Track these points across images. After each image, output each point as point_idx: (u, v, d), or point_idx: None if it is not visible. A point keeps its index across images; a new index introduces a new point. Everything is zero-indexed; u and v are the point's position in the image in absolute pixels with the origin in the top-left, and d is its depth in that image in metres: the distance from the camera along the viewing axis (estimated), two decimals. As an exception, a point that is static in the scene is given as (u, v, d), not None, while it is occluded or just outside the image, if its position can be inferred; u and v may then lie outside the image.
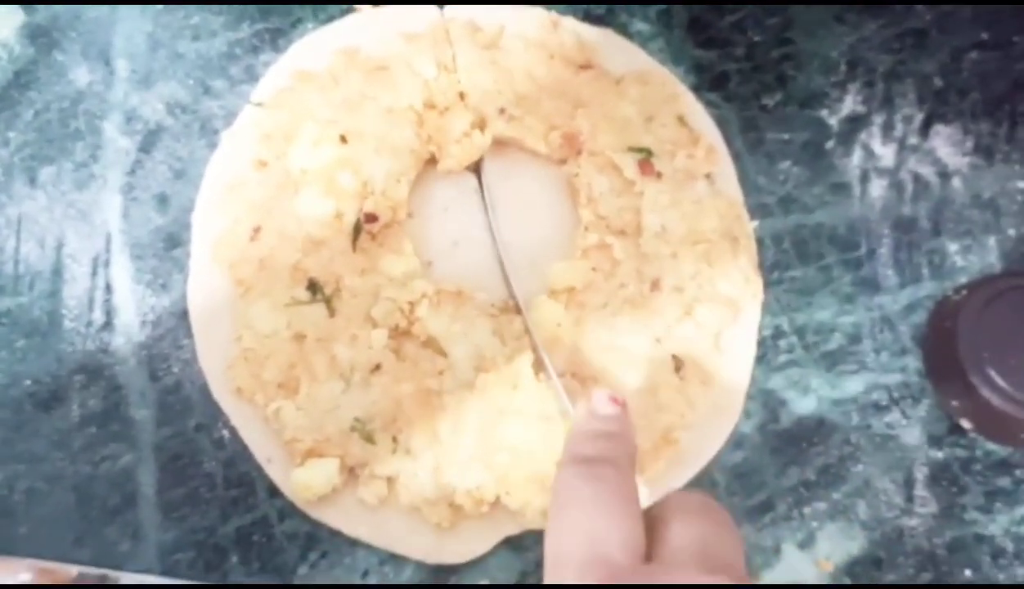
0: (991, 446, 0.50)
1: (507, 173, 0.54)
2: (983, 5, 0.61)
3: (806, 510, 0.49)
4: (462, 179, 0.54)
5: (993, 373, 0.49)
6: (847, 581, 0.48)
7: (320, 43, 0.55)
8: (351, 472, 0.47)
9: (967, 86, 0.59)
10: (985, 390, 0.49)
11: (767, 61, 0.58)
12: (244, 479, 0.47)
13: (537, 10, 0.57)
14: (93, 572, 0.46)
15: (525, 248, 0.52)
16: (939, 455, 0.50)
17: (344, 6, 0.57)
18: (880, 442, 0.50)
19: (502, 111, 0.53)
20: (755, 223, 0.53)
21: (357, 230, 0.50)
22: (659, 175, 0.52)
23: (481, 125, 0.53)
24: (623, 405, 0.39)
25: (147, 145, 0.53)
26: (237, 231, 0.50)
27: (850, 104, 0.57)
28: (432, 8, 0.57)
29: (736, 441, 0.50)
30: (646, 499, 0.47)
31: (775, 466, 0.50)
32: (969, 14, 0.61)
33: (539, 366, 0.48)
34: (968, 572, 0.48)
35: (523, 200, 0.54)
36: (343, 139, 0.52)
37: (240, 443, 0.47)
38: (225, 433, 0.48)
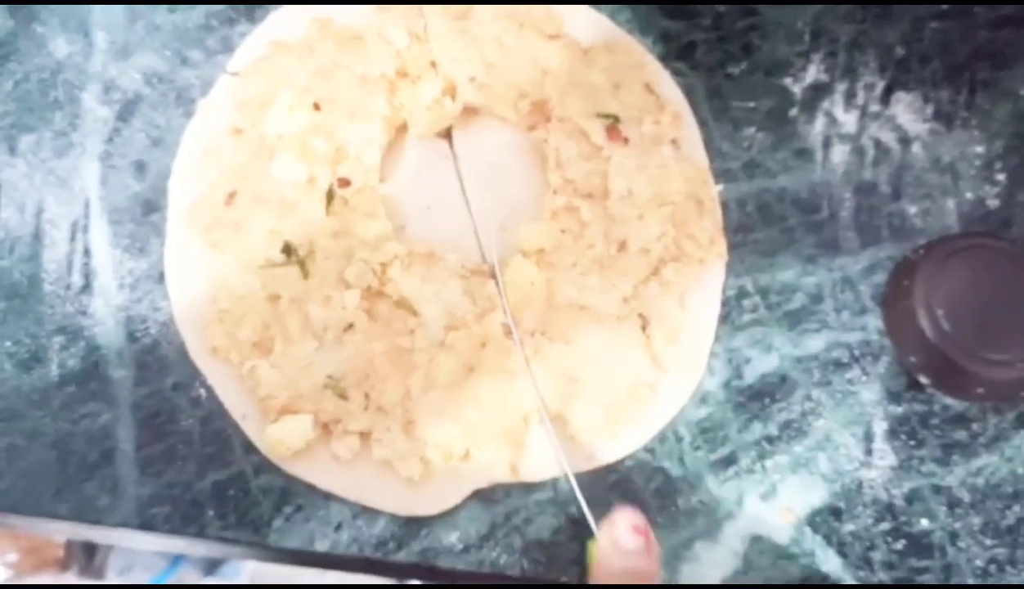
0: (948, 401, 0.52)
1: (478, 139, 0.55)
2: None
3: (768, 463, 0.50)
4: (434, 145, 0.55)
5: (949, 328, 0.50)
6: (807, 530, 0.49)
7: (295, 14, 0.57)
8: (325, 428, 0.48)
9: (928, 55, 0.60)
10: (941, 345, 0.50)
11: (733, 31, 0.59)
12: (220, 436, 0.49)
13: (508, -19, 0.58)
14: (78, 540, 0.47)
15: (495, 211, 0.54)
16: (898, 410, 0.52)
17: (318, -22, 0.58)
18: (841, 398, 0.52)
19: (472, 79, 0.54)
20: (720, 187, 0.55)
21: (330, 194, 0.51)
22: (626, 140, 0.54)
23: (451, 93, 0.54)
24: (646, 534, 0.41)
25: (125, 114, 0.54)
26: (213, 196, 0.51)
27: (813, 73, 0.59)
28: (405, -21, 0.58)
29: (701, 397, 0.51)
30: (613, 455, 0.49)
31: (738, 421, 0.51)
32: (932, -15, 0.62)
33: (506, 326, 0.50)
34: (925, 521, 0.50)
35: (493, 165, 0.55)
36: (317, 106, 0.53)
37: (216, 401, 0.49)
38: (202, 392, 0.49)
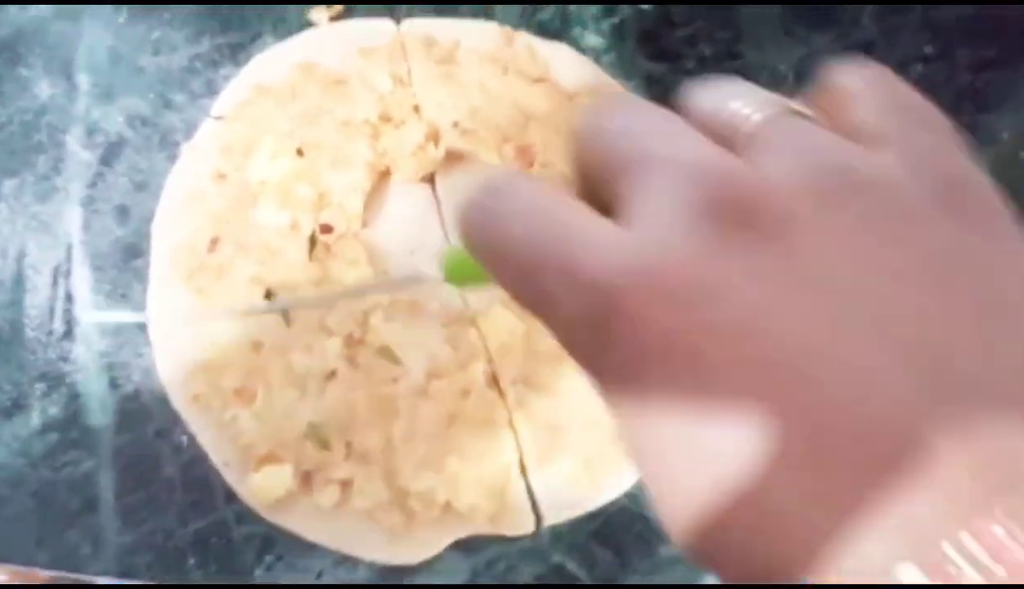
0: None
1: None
2: (929, 19, 0.63)
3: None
4: (417, 190, 0.55)
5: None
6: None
7: (279, 58, 0.57)
8: (306, 477, 0.48)
9: (911, 98, 0.60)
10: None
11: (717, 74, 0.59)
12: (202, 483, 0.49)
13: (492, 25, 0.59)
14: (66, 578, 0.47)
15: (478, 257, 0.54)
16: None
17: (303, 21, 0.58)
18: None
19: (456, 124, 0.55)
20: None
21: (313, 241, 0.52)
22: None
23: (435, 138, 0.55)
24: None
25: (108, 158, 0.54)
26: (196, 242, 0.52)
27: (797, 116, 0.59)
28: (389, 23, 0.58)
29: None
30: (595, 502, 0.49)
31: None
32: (915, 26, 0.63)
33: (491, 374, 0.50)
34: None
35: (477, 210, 0.55)
36: (300, 152, 0.53)
37: (198, 449, 0.49)
38: (184, 439, 0.49)
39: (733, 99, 0.20)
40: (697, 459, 0.16)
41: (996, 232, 0.18)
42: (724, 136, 0.19)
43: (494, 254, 0.19)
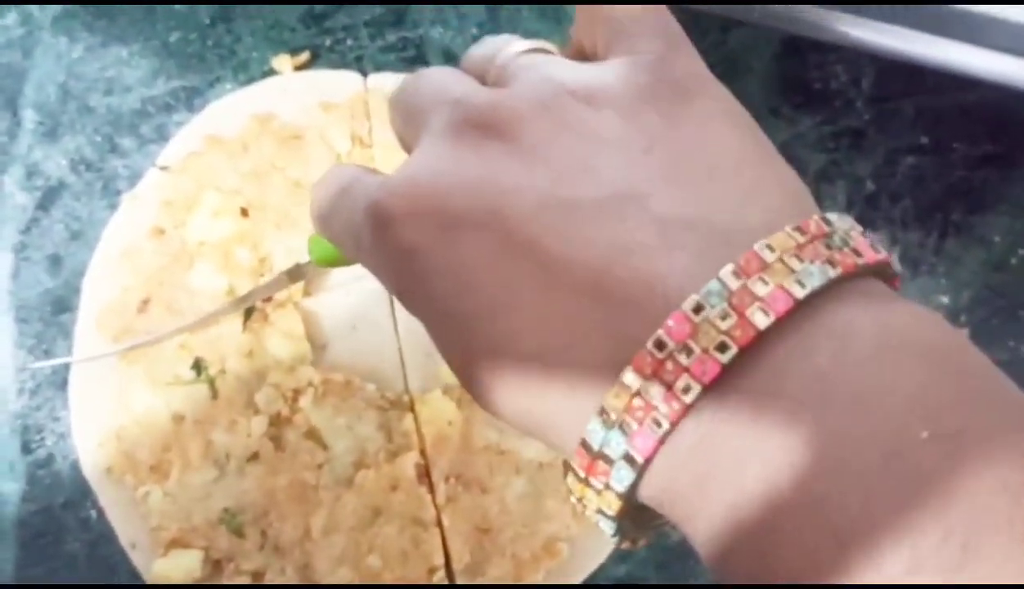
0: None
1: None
2: (926, 107, 0.59)
3: (687, 632, 0.47)
4: (366, 259, 0.52)
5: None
6: None
7: (236, 106, 0.54)
8: (217, 565, 0.46)
9: (900, 191, 0.57)
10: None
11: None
12: (107, 563, 0.46)
13: (462, 86, 0.56)
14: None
15: (426, 338, 0.51)
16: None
17: (265, 69, 0.55)
18: (771, 565, 0.49)
19: (412, 193, 0.52)
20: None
21: (249, 310, 0.49)
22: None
23: (388, 206, 0.52)
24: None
25: (46, 202, 0.52)
26: (125, 301, 0.49)
27: (776, 205, 0.56)
28: (356, 76, 0.55)
29: (621, 554, 0.48)
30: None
31: (660, 582, 0.48)
32: (910, 115, 0.59)
33: (422, 467, 0.47)
34: None
35: (428, 284, 0.52)
36: (244, 212, 0.50)
37: (106, 525, 0.46)
38: (92, 513, 0.47)
39: (492, 46, 0.25)
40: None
41: (700, 107, 0.21)
42: (485, 76, 0.24)
43: (323, 226, 0.26)
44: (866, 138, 0.58)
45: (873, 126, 0.59)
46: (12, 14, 0.55)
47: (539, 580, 0.47)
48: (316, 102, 0.54)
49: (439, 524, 0.46)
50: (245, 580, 0.45)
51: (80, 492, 0.47)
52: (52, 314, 0.50)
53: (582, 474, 0.20)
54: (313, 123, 0.53)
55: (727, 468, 0.18)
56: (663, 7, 0.24)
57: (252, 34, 0.56)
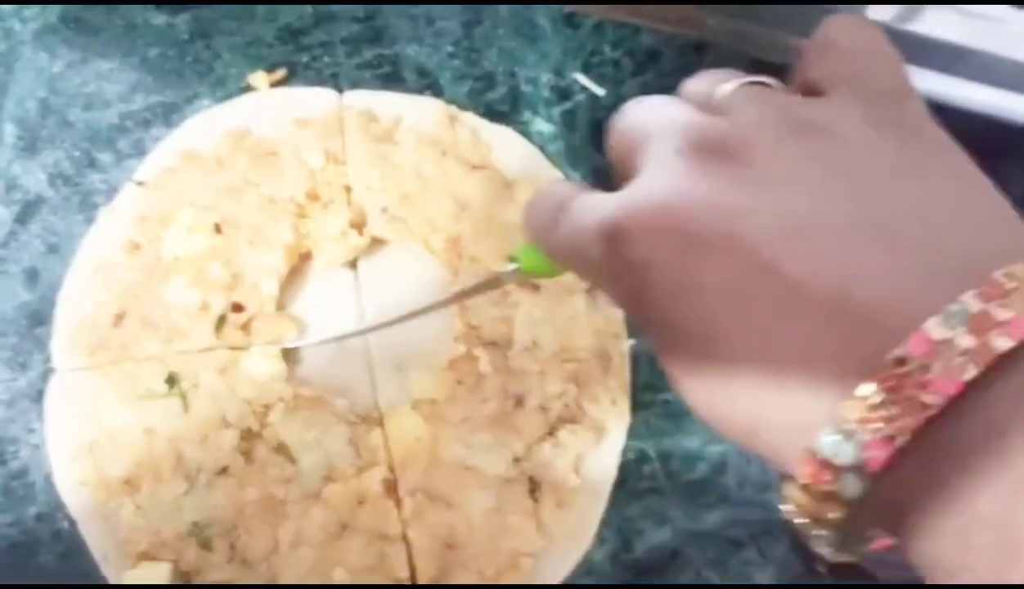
0: (845, 592, 0.50)
1: (387, 271, 0.53)
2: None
3: (649, 646, 0.48)
4: (339, 275, 0.53)
5: (848, 523, 0.48)
6: None
7: (212, 122, 0.55)
8: (186, 577, 0.46)
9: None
10: (839, 539, 0.48)
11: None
12: (78, 575, 0.47)
13: (437, 103, 0.56)
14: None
15: (395, 350, 0.52)
16: (792, 597, 0.50)
17: (242, 85, 0.56)
18: (733, 580, 0.50)
19: (384, 210, 0.53)
20: (632, 342, 0.53)
21: (221, 322, 0.50)
22: (536, 287, 0.52)
23: (361, 223, 0.53)
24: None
25: (24, 216, 0.53)
26: (100, 315, 0.50)
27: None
28: (331, 93, 0.56)
29: (586, 568, 0.49)
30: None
31: (624, 595, 0.49)
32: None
33: (390, 482, 0.48)
34: None
35: (400, 301, 0.53)
36: (218, 228, 0.51)
37: (78, 538, 0.47)
38: (65, 525, 0.47)
39: (713, 79, 0.26)
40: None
41: (927, 145, 0.22)
42: (709, 106, 0.25)
43: (540, 240, 0.26)
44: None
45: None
46: (-7, 29, 0.56)
47: (503, 594, 0.48)
48: (291, 118, 0.55)
49: (405, 539, 0.47)
50: (213, 592, 0.46)
51: (53, 505, 0.48)
52: (28, 327, 0.51)
53: (805, 482, 0.20)
54: (288, 139, 0.54)
55: (962, 485, 0.18)
56: (891, 46, 0.24)
57: (230, 50, 0.57)
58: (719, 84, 0.25)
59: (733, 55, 0.58)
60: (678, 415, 0.52)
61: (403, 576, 0.47)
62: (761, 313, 0.21)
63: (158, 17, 0.57)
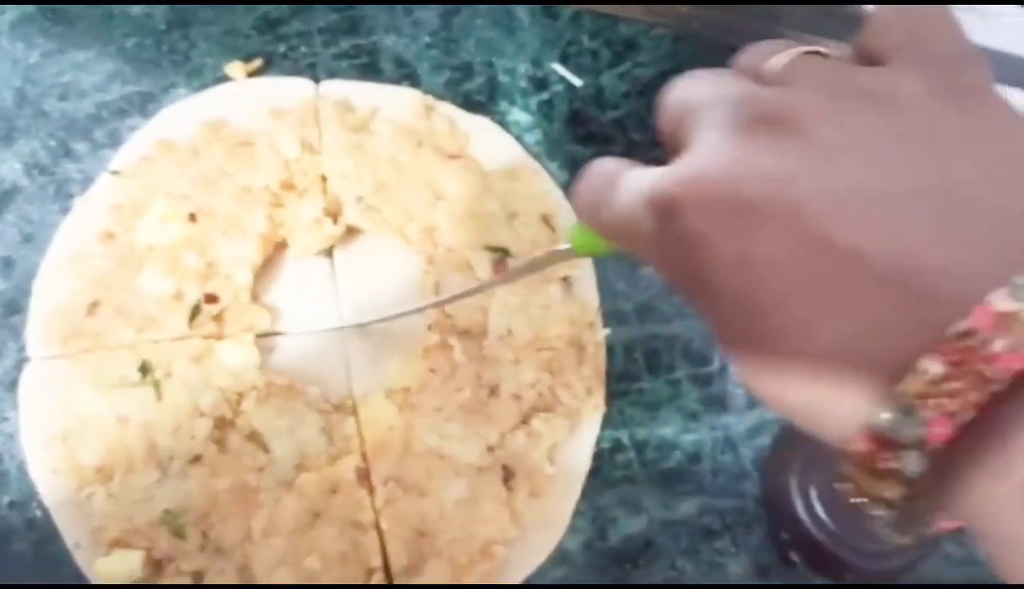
0: (818, 581, 0.50)
1: (362, 260, 0.53)
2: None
3: (622, 634, 0.48)
4: (314, 264, 0.53)
5: (822, 512, 0.48)
6: None
7: (188, 112, 0.55)
8: (158, 565, 0.46)
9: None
10: (813, 528, 0.48)
11: (644, 162, 0.57)
12: (52, 562, 0.47)
13: (414, 93, 0.56)
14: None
15: (370, 339, 0.52)
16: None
17: (218, 75, 0.56)
18: (707, 570, 0.50)
19: (360, 199, 0.52)
20: (607, 331, 0.53)
21: (195, 311, 0.50)
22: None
23: (336, 212, 0.53)
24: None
25: (-1, 206, 0.53)
26: (74, 304, 0.50)
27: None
28: (308, 83, 0.56)
29: (559, 557, 0.49)
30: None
31: (597, 582, 0.49)
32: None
33: (362, 470, 0.48)
34: None
35: (376, 289, 0.53)
36: (193, 217, 0.51)
37: (52, 526, 0.47)
38: (38, 513, 0.47)
39: (765, 50, 0.25)
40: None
41: (989, 114, 0.22)
42: (762, 77, 0.24)
43: (590, 216, 0.26)
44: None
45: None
46: (-31, 19, 0.56)
47: (475, 582, 0.48)
48: (267, 108, 0.55)
49: (377, 527, 0.47)
50: (186, 580, 0.46)
51: (27, 493, 0.48)
52: (3, 316, 0.51)
53: (862, 459, 0.20)
54: (263, 129, 0.54)
55: None
56: (954, 17, 0.24)
57: (207, 40, 0.57)
58: (771, 56, 0.24)
59: (711, 45, 0.58)
60: (653, 404, 0.52)
61: (376, 564, 0.47)
62: (818, 285, 0.20)
63: (135, 7, 0.57)
